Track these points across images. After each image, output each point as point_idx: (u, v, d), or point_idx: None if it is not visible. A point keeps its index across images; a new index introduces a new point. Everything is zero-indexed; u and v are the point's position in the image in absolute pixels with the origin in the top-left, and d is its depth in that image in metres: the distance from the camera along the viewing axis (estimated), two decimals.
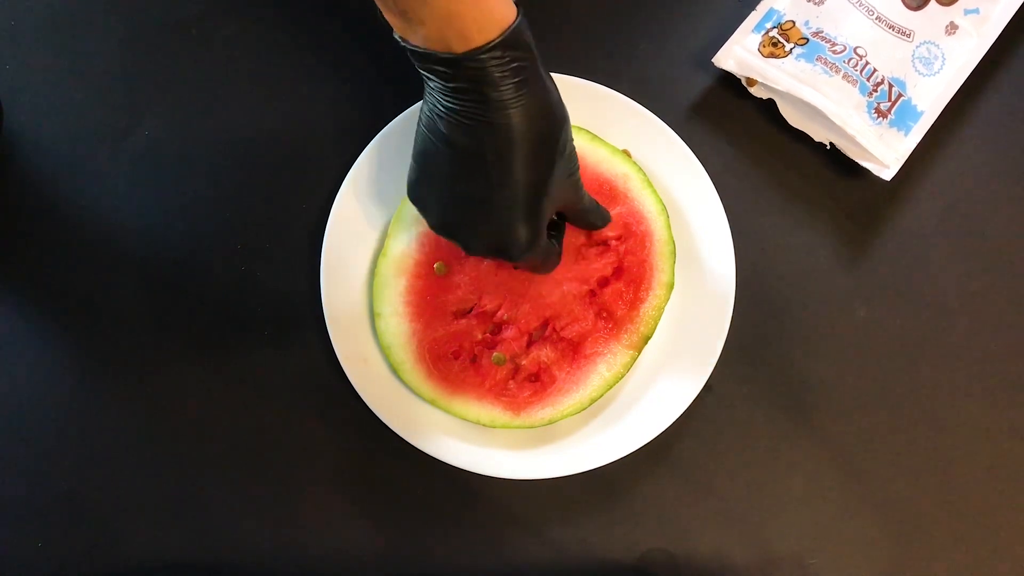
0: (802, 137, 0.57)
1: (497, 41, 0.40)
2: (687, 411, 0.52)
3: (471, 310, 0.54)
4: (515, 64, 0.41)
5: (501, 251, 0.46)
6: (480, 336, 0.53)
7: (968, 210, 0.57)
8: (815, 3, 0.57)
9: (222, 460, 0.54)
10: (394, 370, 0.53)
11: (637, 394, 0.54)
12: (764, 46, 0.57)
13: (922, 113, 0.56)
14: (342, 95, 0.58)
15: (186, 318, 0.55)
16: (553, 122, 0.44)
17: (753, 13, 0.58)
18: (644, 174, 0.55)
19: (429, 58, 0.41)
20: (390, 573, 0.53)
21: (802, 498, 0.54)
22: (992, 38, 0.57)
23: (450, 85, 0.41)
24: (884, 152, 0.55)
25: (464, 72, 0.40)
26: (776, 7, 0.58)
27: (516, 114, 0.42)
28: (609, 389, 0.53)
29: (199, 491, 0.54)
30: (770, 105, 0.57)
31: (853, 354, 0.55)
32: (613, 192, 0.54)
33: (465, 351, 0.53)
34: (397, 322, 0.53)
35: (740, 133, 0.58)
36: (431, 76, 0.42)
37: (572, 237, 0.54)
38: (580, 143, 0.55)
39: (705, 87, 0.58)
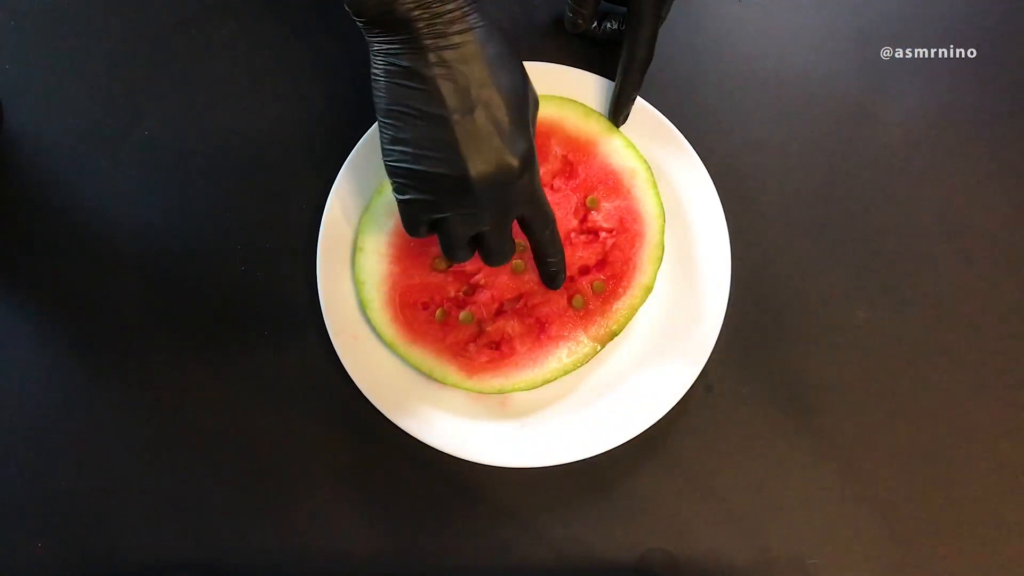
0: None
1: None
2: (688, 411, 0.52)
3: (450, 266, 0.54)
4: None
5: (498, 173, 0.43)
6: (453, 293, 0.53)
7: (959, 212, 0.57)
8: None
9: (222, 460, 0.54)
10: (362, 306, 0.53)
11: (633, 385, 0.54)
12: None
13: None
14: (340, 93, 0.58)
15: (186, 318, 0.55)
16: (511, 45, 0.44)
17: None
18: (651, 173, 0.54)
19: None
20: (390, 573, 0.53)
21: (802, 498, 0.54)
22: None
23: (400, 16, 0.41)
24: None
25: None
26: None
27: (473, 33, 0.42)
28: (565, 375, 0.53)
29: (199, 491, 0.54)
30: None
31: (853, 354, 0.55)
32: (617, 185, 0.54)
33: (435, 304, 0.53)
34: (377, 260, 0.53)
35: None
36: (380, 26, 0.43)
37: (564, 221, 0.54)
38: (597, 129, 0.55)
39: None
